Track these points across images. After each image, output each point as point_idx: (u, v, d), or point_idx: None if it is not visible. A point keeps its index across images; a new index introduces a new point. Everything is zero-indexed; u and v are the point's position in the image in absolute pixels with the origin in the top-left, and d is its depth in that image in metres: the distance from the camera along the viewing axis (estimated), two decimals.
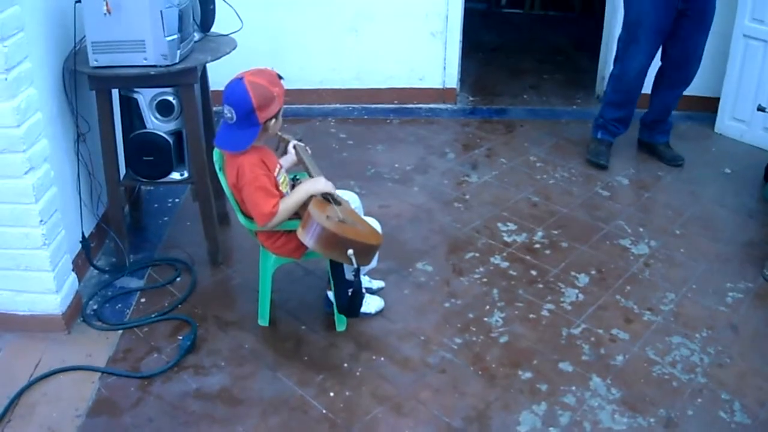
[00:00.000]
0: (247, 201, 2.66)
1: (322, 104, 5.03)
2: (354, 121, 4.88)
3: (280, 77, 2.68)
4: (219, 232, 3.41)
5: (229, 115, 2.57)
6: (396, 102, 5.07)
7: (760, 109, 4.24)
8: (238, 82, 2.57)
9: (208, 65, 3.35)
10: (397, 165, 4.30)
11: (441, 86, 5.06)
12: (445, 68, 5.02)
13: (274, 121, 2.64)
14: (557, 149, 4.59)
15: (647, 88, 4.44)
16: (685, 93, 4.54)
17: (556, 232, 3.69)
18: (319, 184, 2.73)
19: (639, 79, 4.27)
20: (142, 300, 3.15)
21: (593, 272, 3.38)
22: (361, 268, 2.63)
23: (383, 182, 4.11)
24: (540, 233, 3.67)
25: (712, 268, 3.48)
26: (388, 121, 4.90)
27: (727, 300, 3.24)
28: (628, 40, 4.21)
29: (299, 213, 2.67)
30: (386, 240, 3.02)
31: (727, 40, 4.83)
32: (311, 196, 2.67)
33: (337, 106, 5.05)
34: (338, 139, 4.60)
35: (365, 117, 4.95)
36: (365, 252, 2.62)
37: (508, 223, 3.74)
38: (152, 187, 3.97)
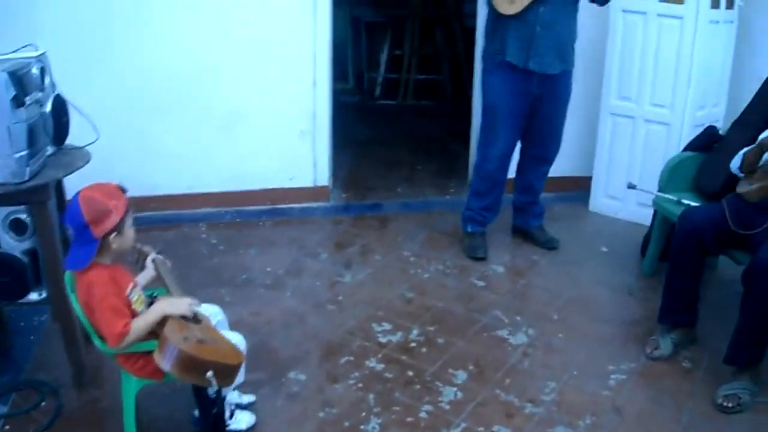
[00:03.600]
0: (98, 321, 2.51)
1: (192, 209, 4.89)
2: (226, 225, 4.77)
3: (123, 189, 2.57)
4: (85, 352, 3.21)
5: (70, 232, 2.46)
6: (269, 203, 4.99)
7: (631, 186, 4.36)
8: (74, 198, 2.47)
9: (67, 179, 3.20)
10: (269, 269, 4.19)
11: (313, 185, 5.03)
12: (315, 166, 4.99)
13: (115, 235, 2.51)
14: (431, 241, 4.58)
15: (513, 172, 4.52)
16: (558, 174, 4.64)
17: (431, 328, 3.63)
18: (175, 302, 2.60)
19: (501, 165, 4.32)
20: (7, 427, 2.92)
21: (471, 367, 3.32)
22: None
23: (255, 288, 4.00)
24: (415, 331, 3.60)
25: (593, 350, 3.49)
26: (261, 223, 4.80)
27: (609, 383, 3.24)
28: (486, 127, 4.28)
29: (157, 332, 2.54)
30: (257, 349, 2.98)
31: (596, 119, 4.99)
32: (167, 316, 2.55)
33: (209, 210, 4.92)
34: (209, 245, 4.47)
35: (237, 220, 4.85)
36: (226, 373, 2.49)
37: (383, 323, 3.66)
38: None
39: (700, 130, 4.68)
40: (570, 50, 4.18)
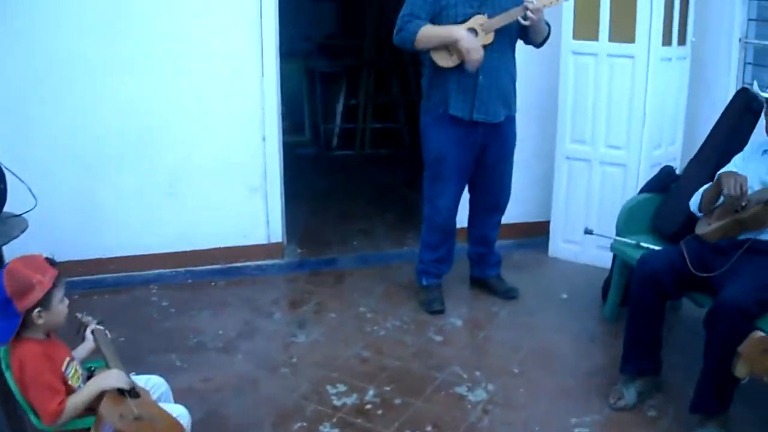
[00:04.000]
0: (33, 399, 2.36)
1: (143, 271, 4.73)
2: (177, 287, 4.61)
3: (52, 262, 2.43)
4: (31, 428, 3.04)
5: None
6: (221, 262, 4.84)
7: (588, 231, 4.28)
8: (0, 270, 2.34)
9: (9, 248, 3.04)
10: (221, 332, 4.03)
11: (266, 242, 4.89)
12: (268, 223, 4.86)
13: (40, 310, 2.37)
14: (388, 296, 4.45)
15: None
16: (516, 220, 4.56)
17: (388, 388, 3.48)
18: (111, 378, 2.45)
19: (450, 216, 4.22)
20: None
21: (429, 428, 3.17)
22: None
23: (206, 352, 3.83)
24: (371, 392, 3.45)
25: (555, 404, 3.36)
26: (213, 283, 4.65)
27: None
28: (432, 179, 4.17)
29: (95, 408, 2.39)
30: (208, 418, 2.89)
31: (552, 163, 4.93)
32: (104, 391, 2.40)
33: (160, 271, 4.76)
34: (160, 308, 4.31)
35: (189, 281, 4.69)
36: None
37: (338, 385, 3.50)
38: None
39: (657, 169, 4.63)
40: (513, 95, 4.12)
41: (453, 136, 4.01)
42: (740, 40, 4.88)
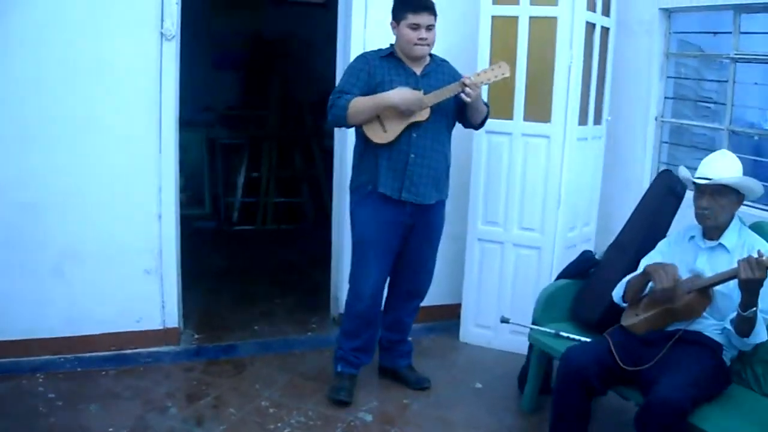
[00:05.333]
0: None
1: (30, 356, 4.27)
2: (65, 376, 4.14)
3: None
4: None
5: None
6: (113, 348, 4.41)
7: (504, 320, 4.10)
8: None
9: None
10: (111, 429, 3.60)
11: (161, 327, 4.49)
12: (163, 307, 4.47)
13: None
14: (293, 388, 4.10)
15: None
16: (425, 303, 4.31)
17: None
18: None
19: (375, 302, 3.96)
20: None
21: None
22: None
23: None
24: None
25: None
26: (104, 372, 4.20)
27: None
28: (358, 263, 3.94)
29: None
30: None
31: (464, 245, 4.76)
32: None
33: (48, 357, 4.30)
34: (46, 401, 3.84)
35: (78, 369, 4.22)
36: None
37: None
38: None
39: (572, 251, 4.53)
40: (445, 179, 3.94)
41: (380, 216, 3.80)
42: (656, 118, 4.84)
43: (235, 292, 5.64)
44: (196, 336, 4.75)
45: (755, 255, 2.92)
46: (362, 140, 3.80)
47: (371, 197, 3.80)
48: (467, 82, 3.65)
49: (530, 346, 4.02)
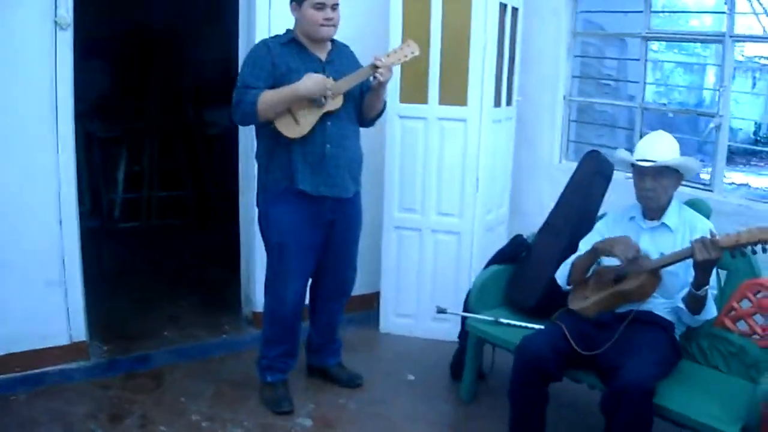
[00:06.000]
0: None
1: None
2: None
3: None
4: None
5: None
6: (18, 369, 3.99)
7: (441, 311, 3.99)
8: None
9: None
10: None
11: (68, 341, 4.13)
12: (69, 320, 4.11)
13: None
14: (221, 397, 3.86)
15: None
16: None
17: None
18: None
19: (297, 308, 3.75)
20: None
21: None
22: None
23: None
24: None
25: None
26: (14, 397, 3.79)
27: None
28: (276, 268, 3.69)
29: None
30: None
31: (380, 233, 4.65)
32: None
33: None
34: None
35: None
36: None
37: None
38: None
39: (490, 235, 4.49)
40: (360, 169, 3.77)
41: (298, 214, 3.58)
42: (564, 97, 4.84)
43: (135, 296, 5.31)
44: (105, 348, 4.41)
45: (698, 234, 3.02)
46: (271, 136, 3.54)
47: (286, 195, 3.57)
48: (379, 63, 3.48)
49: (464, 334, 3.95)
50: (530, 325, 3.62)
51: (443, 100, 4.40)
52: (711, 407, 2.91)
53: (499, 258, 4.01)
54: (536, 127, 4.97)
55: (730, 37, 4.04)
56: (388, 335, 4.71)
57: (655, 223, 3.31)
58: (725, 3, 4.04)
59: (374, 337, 4.70)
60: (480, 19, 4.25)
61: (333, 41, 3.67)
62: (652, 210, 3.31)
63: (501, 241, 4.70)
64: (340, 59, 3.65)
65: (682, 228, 3.26)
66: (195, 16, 7.65)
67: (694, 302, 3.06)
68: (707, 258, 2.88)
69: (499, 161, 4.63)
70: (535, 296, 3.73)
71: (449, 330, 4.48)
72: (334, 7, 3.50)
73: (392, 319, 4.75)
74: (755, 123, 12.45)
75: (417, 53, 3.61)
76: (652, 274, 3.13)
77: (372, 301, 4.85)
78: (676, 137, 3.34)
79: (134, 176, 7.40)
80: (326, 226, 3.67)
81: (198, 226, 7.22)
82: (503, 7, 4.40)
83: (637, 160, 3.24)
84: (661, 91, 10.54)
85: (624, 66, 5.80)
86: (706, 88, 10.80)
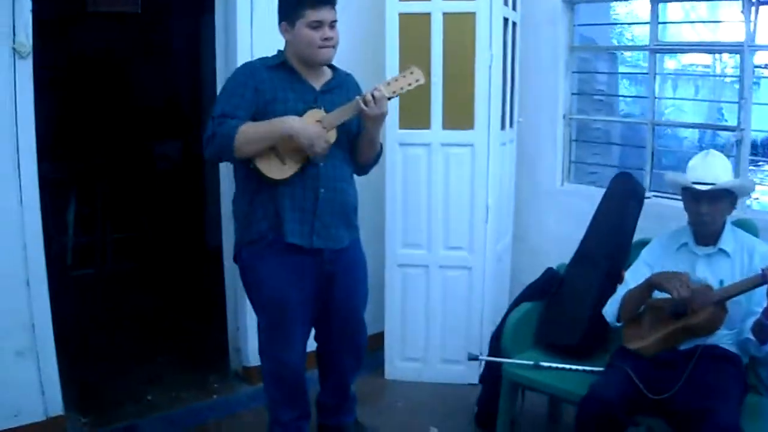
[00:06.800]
0: None
1: None
2: None
3: None
4: None
5: None
6: None
7: (472, 358, 3.65)
8: None
9: None
10: None
11: (44, 417, 3.61)
12: (43, 393, 3.58)
13: None
14: None
15: None
16: None
17: None
18: None
19: (300, 367, 3.27)
20: None
21: None
22: None
23: None
24: None
25: None
26: None
27: None
28: (271, 329, 3.20)
29: None
30: None
31: (382, 272, 4.26)
32: None
33: None
34: None
35: None
36: None
37: None
38: None
39: (500, 265, 4.16)
40: (356, 214, 3.30)
41: (291, 271, 3.09)
42: (565, 116, 4.55)
43: (106, 354, 4.75)
44: (83, 420, 3.87)
45: (758, 256, 2.90)
46: (251, 177, 3.06)
47: (274, 248, 3.08)
48: (376, 94, 2.99)
49: (490, 378, 3.62)
50: (575, 367, 3.29)
51: (447, 125, 4.05)
52: None
53: (529, 294, 3.65)
54: (535, 148, 4.66)
55: (749, 47, 3.79)
56: (395, 382, 4.32)
57: (711, 248, 3.06)
58: (741, 11, 3.79)
59: (380, 384, 4.30)
60: (485, 36, 3.93)
61: (333, 68, 3.23)
62: (707, 235, 3.05)
63: (508, 272, 4.38)
64: (340, 90, 3.18)
65: (739, 252, 3.03)
66: (141, 46, 7.20)
67: (763, 331, 2.80)
68: None
69: (505, 187, 4.31)
70: (577, 335, 3.41)
71: (462, 373, 4.20)
72: (333, 24, 3.05)
73: (398, 364, 4.36)
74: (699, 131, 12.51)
75: (422, 81, 3.11)
76: (719, 306, 2.86)
77: (375, 341, 4.43)
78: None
79: (85, 218, 6.83)
80: (326, 281, 3.20)
81: (159, 269, 6.68)
82: (506, 22, 4.08)
83: (693, 183, 2.95)
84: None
85: (614, 80, 5.58)
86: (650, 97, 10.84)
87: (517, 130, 4.53)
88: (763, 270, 2.72)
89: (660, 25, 4.16)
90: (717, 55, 5.36)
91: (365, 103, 2.98)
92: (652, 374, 2.88)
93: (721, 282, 2.94)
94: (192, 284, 4.76)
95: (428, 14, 3.96)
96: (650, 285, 2.99)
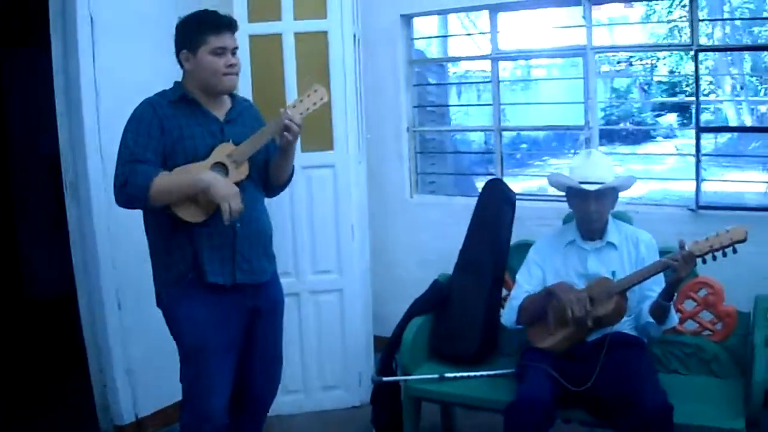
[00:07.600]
0: None
1: None
2: None
3: None
4: None
5: None
6: None
7: (376, 381, 3.67)
8: None
9: None
10: None
11: None
12: None
13: None
14: None
15: None
16: None
17: None
18: None
19: (224, 415, 3.01)
20: None
21: None
22: None
23: None
24: None
25: None
26: None
27: None
28: (196, 378, 2.96)
29: None
30: None
31: None
32: None
33: None
34: None
35: None
36: None
37: None
38: None
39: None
40: (271, 243, 3.16)
41: (215, 310, 2.91)
42: (408, 129, 4.61)
43: None
44: None
45: (643, 245, 3.13)
46: (165, 221, 2.87)
47: (194, 288, 2.90)
48: (289, 116, 2.88)
49: (382, 396, 3.61)
50: (482, 373, 3.34)
51: (306, 147, 3.93)
52: (707, 410, 2.88)
53: (418, 308, 3.64)
54: (383, 162, 4.70)
55: (591, 49, 4.02)
56: (277, 418, 4.11)
57: (599, 243, 3.20)
58: (582, 17, 4.01)
59: (268, 423, 4.11)
60: (338, 54, 3.92)
61: (233, 96, 3.07)
62: (594, 231, 3.19)
63: (370, 288, 4.36)
64: (243, 118, 3.04)
65: (625, 243, 3.19)
66: None
67: (663, 313, 2.97)
68: (688, 271, 2.86)
69: (362, 203, 4.29)
70: (474, 343, 3.46)
71: (342, 397, 4.17)
72: (234, 51, 2.92)
73: (277, 399, 4.15)
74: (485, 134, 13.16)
75: (326, 99, 3.02)
76: (621, 296, 3.00)
77: None
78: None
79: None
80: (249, 315, 3.04)
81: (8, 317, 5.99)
82: (354, 39, 4.07)
83: (581, 183, 3.08)
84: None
85: (444, 91, 5.74)
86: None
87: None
88: (667, 259, 2.87)
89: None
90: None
91: (288, 130, 2.88)
92: (567, 368, 2.96)
93: (614, 273, 3.07)
94: (22, 332, 4.19)
95: (279, 35, 3.88)
96: (548, 293, 3.09)
